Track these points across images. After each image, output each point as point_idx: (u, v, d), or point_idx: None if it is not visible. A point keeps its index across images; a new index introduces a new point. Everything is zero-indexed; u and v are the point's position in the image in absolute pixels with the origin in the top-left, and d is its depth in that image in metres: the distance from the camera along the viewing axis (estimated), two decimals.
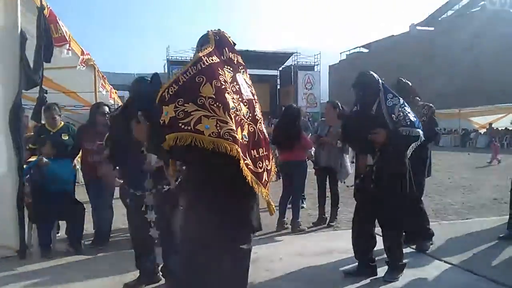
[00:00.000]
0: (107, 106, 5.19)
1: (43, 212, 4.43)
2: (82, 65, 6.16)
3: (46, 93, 4.96)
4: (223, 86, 2.08)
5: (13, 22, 4.29)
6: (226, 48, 2.30)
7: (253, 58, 35.48)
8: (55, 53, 4.79)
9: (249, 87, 2.31)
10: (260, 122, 2.28)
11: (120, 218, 5.24)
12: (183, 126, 1.93)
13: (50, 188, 4.53)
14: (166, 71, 33.93)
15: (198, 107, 1.97)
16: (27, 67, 4.40)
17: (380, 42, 47.73)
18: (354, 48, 55.59)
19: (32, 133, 5.30)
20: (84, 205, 4.81)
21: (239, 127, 2.07)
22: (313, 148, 5.84)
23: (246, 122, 2.15)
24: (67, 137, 4.87)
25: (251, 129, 2.17)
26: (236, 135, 1.99)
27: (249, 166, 2.07)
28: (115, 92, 10.63)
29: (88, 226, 5.05)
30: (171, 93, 2.00)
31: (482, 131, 28.16)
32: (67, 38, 5.08)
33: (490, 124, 27.35)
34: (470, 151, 20.61)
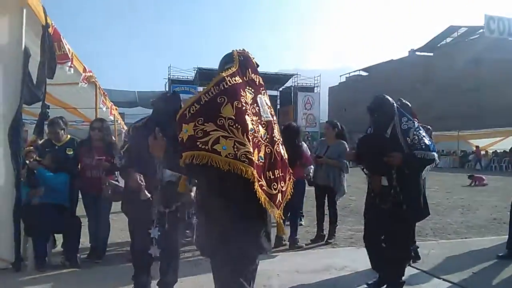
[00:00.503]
0: (101, 121, 5.22)
1: (38, 225, 4.41)
2: (84, 82, 6.23)
3: (48, 108, 5.01)
4: (244, 108, 2.08)
5: (17, 39, 4.37)
6: (250, 69, 2.27)
7: None
8: (57, 70, 4.87)
9: (268, 108, 2.30)
10: (278, 144, 2.26)
11: (116, 232, 5.22)
12: (200, 145, 1.95)
13: (44, 200, 4.53)
14: (167, 89, 34.36)
15: (217, 127, 1.98)
16: (31, 83, 4.47)
17: (379, 66, 48.24)
18: (354, 71, 56.23)
19: (32, 147, 5.32)
20: (81, 218, 4.79)
21: (256, 149, 2.07)
22: (312, 166, 5.86)
23: (264, 143, 2.15)
24: (71, 152, 4.90)
25: (268, 151, 2.17)
26: (252, 157, 2.00)
27: (263, 188, 2.06)
28: (116, 109, 10.72)
29: (84, 240, 5.01)
30: (192, 111, 2.02)
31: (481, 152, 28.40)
32: (70, 56, 5.17)
33: (477, 146, 28.16)
34: (469, 172, 20.60)
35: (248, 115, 2.08)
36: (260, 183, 2.04)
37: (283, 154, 2.28)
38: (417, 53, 45.64)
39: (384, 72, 44.80)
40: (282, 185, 2.22)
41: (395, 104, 3.77)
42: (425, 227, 7.12)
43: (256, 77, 2.30)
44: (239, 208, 2.04)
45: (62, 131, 4.97)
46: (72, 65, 5.35)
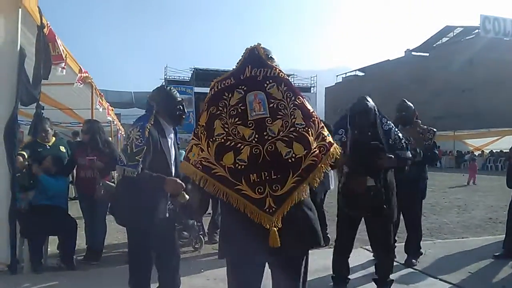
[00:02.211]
0: (90, 122, 5.22)
1: (35, 226, 4.39)
2: (79, 82, 6.21)
3: (43, 109, 5.00)
4: (218, 112, 2.07)
5: (13, 39, 4.36)
6: (250, 66, 2.17)
7: None
8: (52, 70, 4.85)
9: (272, 101, 2.08)
10: (274, 142, 2.00)
11: (113, 233, 5.20)
12: (185, 155, 2.10)
13: (44, 202, 4.50)
14: None
15: (193, 136, 2.10)
16: (27, 83, 4.45)
17: (376, 66, 48.45)
18: (350, 72, 56.38)
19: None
20: (77, 220, 4.77)
21: (231, 152, 2.00)
22: None
23: (249, 144, 2.00)
24: (64, 150, 4.91)
25: (255, 151, 1.99)
26: (212, 163, 2.00)
27: (242, 192, 1.96)
28: (112, 110, 10.69)
29: (81, 242, 5.00)
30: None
31: (477, 153, 28.53)
32: (64, 57, 5.15)
33: (471, 152, 28.21)
34: (465, 172, 20.69)
35: (220, 119, 2.06)
36: (237, 187, 1.97)
37: (283, 153, 1.99)
38: (413, 53, 45.90)
39: (380, 72, 45.01)
40: (275, 188, 1.96)
41: (375, 105, 3.77)
42: (422, 227, 7.14)
43: (259, 71, 2.15)
44: (230, 214, 2.04)
45: (51, 130, 4.98)
46: (65, 67, 5.33)
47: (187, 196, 2.92)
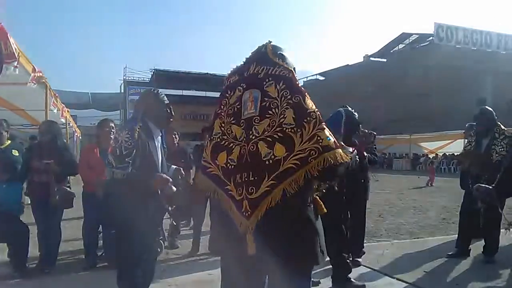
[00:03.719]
0: (50, 123, 5.02)
1: None
2: (33, 82, 5.94)
3: None
4: (219, 111, 2.10)
5: None
6: (255, 63, 2.10)
7: (212, 81, 35.80)
8: (3, 69, 4.62)
9: (265, 99, 1.97)
10: (255, 142, 1.90)
11: (68, 240, 4.99)
12: None
13: None
14: (123, 91, 33.49)
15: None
16: None
17: (336, 71, 49.47)
18: (311, 76, 57.29)
19: None
20: (30, 226, 4.55)
21: (224, 151, 1.99)
22: None
23: (239, 144, 1.95)
24: (17, 154, 4.64)
25: (243, 151, 1.93)
26: (208, 162, 2.05)
27: (229, 192, 1.93)
28: (68, 111, 10.29)
29: (33, 249, 4.77)
30: None
31: (431, 156, 29.69)
32: (16, 55, 4.92)
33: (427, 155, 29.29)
34: (420, 174, 21.49)
35: (220, 118, 2.07)
36: (226, 187, 1.94)
37: (262, 154, 1.86)
38: (372, 58, 47.22)
39: (340, 76, 46.00)
40: (251, 190, 1.86)
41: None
42: (380, 228, 7.35)
43: (262, 69, 2.05)
44: (220, 215, 2.02)
45: (6, 133, 4.72)
46: (17, 65, 5.09)
47: (174, 188, 3.08)
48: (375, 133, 5.19)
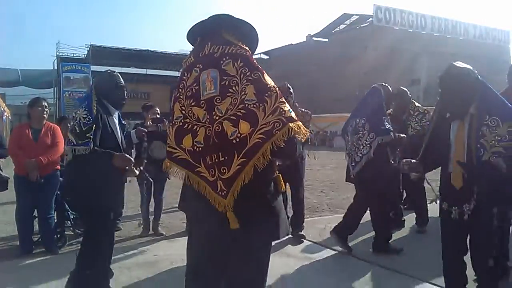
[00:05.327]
0: None
1: None
2: None
3: None
4: (178, 94, 2.07)
5: None
6: (209, 43, 2.05)
7: (153, 59, 34.54)
8: None
9: (225, 78, 1.95)
10: (220, 122, 1.90)
11: (1, 226, 4.71)
12: None
13: None
14: (56, 68, 31.34)
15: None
16: None
17: (279, 50, 49.75)
18: (255, 55, 57.10)
19: None
20: None
21: (189, 134, 1.97)
22: None
23: (203, 125, 1.94)
24: None
25: (208, 133, 1.92)
26: (172, 147, 2.02)
27: (201, 174, 1.94)
28: None
29: None
30: None
31: None
32: None
33: None
34: None
35: (179, 101, 2.05)
36: (197, 169, 1.95)
37: (228, 134, 1.87)
38: (314, 38, 47.92)
39: (283, 55, 46.34)
40: (223, 171, 1.88)
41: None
42: (322, 203, 7.62)
43: (217, 48, 2.02)
44: (194, 198, 2.03)
45: None
46: None
47: (136, 171, 3.18)
48: (310, 112, 5.28)
